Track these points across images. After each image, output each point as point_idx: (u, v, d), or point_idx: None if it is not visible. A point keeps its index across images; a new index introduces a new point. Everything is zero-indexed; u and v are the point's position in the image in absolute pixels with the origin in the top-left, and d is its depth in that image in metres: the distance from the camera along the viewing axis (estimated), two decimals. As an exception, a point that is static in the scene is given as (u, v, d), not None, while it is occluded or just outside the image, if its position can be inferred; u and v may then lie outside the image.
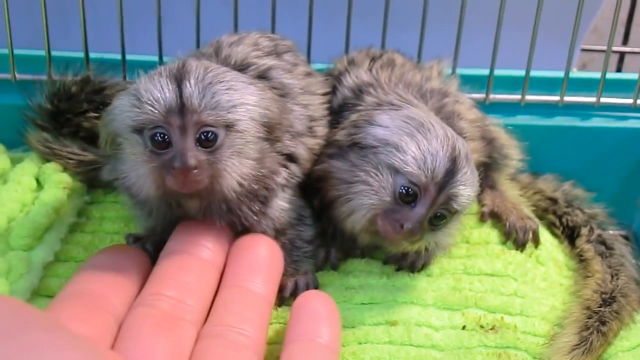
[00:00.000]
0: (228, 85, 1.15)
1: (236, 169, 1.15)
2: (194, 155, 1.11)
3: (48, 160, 1.46)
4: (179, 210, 1.21)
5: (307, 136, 1.31)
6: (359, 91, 1.38)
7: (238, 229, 1.24)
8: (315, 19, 1.60)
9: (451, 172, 1.18)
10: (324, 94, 1.39)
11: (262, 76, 1.29)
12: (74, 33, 1.55)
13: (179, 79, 1.12)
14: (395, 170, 1.19)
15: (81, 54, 1.55)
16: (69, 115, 1.48)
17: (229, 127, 1.14)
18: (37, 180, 1.43)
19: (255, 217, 1.23)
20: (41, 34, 1.53)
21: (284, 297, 1.27)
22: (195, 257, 1.18)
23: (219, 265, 1.20)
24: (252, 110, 1.16)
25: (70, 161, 1.44)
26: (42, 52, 1.54)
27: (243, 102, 1.15)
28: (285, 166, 1.26)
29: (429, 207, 1.18)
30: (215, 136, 1.13)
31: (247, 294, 1.16)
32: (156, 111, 1.11)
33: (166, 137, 1.11)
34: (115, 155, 1.20)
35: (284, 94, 1.30)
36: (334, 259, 1.34)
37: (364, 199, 1.21)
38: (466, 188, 1.20)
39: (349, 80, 1.41)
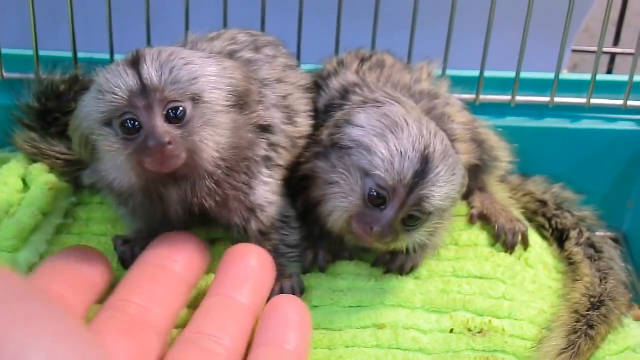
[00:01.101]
0: (185, 61, 1.16)
1: (211, 138, 1.16)
2: (166, 131, 1.12)
3: (35, 161, 1.45)
4: (160, 205, 1.21)
5: (287, 124, 1.31)
6: (344, 91, 1.38)
7: (223, 224, 1.25)
8: (305, 18, 1.59)
9: (422, 173, 1.17)
10: (306, 88, 1.39)
11: None
12: (62, 32, 1.54)
13: (135, 63, 1.13)
14: (365, 173, 1.19)
15: (69, 54, 1.54)
16: (57, 115, 1.47)
17: (194, 99, 1.15)
18: (24, 181, 1.42)
19: (238, 199, 1.23)
20: (29, 33, 1.51)
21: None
22: (166, 270, 1.18)
23: (189, 282, 1.20)
24: (215, 80, 1.17)
25: (57, 161, 1.44)
26: (30, 52, 1.53)
27: (204, 73, 1.16)
28: (263, 138, 1.26)
29: (398, 210, 1.17)
30: (184, 111, 1.14)
31: (231, 303, 1.16)
32: (119, 97, 1.12)
33: (135, 122, 1.12)
34: (92, 158, 1.21)
35: (261, 86, 1.30)
36: (322, 261, 1.34)
37: (337, 202, 1.22)
38: (440, 188, 1.19)
39: (335, 82, 1.41)
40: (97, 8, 1.54)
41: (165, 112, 1.13)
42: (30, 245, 1.30)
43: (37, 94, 1.48)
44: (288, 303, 1.17)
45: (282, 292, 1.26)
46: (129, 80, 1.12)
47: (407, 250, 1.31)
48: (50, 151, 1.44)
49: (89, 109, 1.16)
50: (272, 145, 1.28)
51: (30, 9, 1.50)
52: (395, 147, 1.18)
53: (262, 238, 1.28)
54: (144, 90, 1.12)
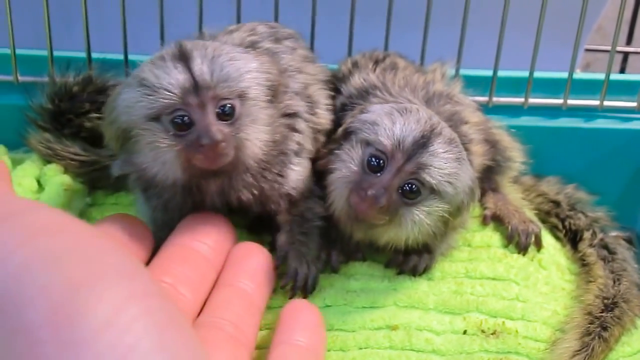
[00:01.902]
0: (230, 57, 1.17)
1: (256, 135, 1.18)
2: (219, 129, 1.12)
3: (49, 162, 1.45)
4: (198, 196, 1.22)
5: (309, 113, 1.33)
6: (365, 92, 1.38)
7: (254, 211, 1.27)
8: (318, 19, 1.59)
9: (422, 143, 1.18)
10: (325, 81, 1.41)
11: None
12: (76, 33, 1.55)
13: (184, 59, 1.13)
14: (367, 143, 1.20)
15: (83, 54, 1.54)
16: (70, 116, 1.47)
17: (241, 96, 1.16)
18: (38, 182, 1.42)
19: (273, 188, 1.25)
20: (43, 34, 1.52)
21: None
22: (195, 251, 1.18)
23: (217, 266, 1.20)
24: (256, 76, 1.18)
25: (72, 162, 1.44)
26: (45, 53, 1.53)
27: (248, 69, 1.17)
28: (293, 129, 1.28)
29: (395, 174, 1.17)
30: (233, 108, 1.15)
31: (244, 295, 1.17)
32: (173, 94, 1.11)
33: (186, 117, 1.12)
34: (127, 150, 1.20)
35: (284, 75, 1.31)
36: (335, 262, 1.34)
37: (338, 173, 1.22)
38: (440, 162, 1.18)
39: (357, 81, 1.41)
40: (111, 9, 1.55)
41: (217, 110, 1.14)
42: (46, 246, 1.31)
43: (50, 95, 1.48)
44: (302, 307, 1.18)
45: (295, 277, 1.26)
46: (181, 76, 1.12)
47: (420, 251, 1.32)
48: (65, 152, 1.44)
49: (132, 103, 1.14)
50: (299, 132, 1.29)
51: (44, 9, 1.51)
52: (399, 121, 1.19)
53: (291, 207, 1.29)
54: (196, 87, 1.12)
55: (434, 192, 1.20)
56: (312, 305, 1.20)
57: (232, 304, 1.15)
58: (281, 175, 1.26)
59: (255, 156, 1.19)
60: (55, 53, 1.53)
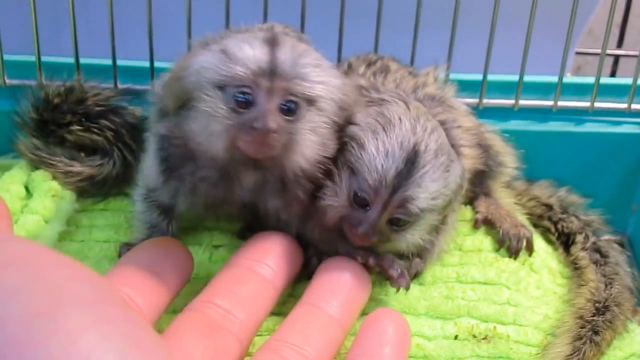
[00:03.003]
0: (316, 62, 1.15)
1: (309, 145, 1.15)
2: (275, 119, 1.10)
3: (37, 168, 1.44)
4: (232, 188, 1.20)
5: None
6: None
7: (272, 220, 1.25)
8: (307, 20, 1.59)
9: (406, 173, 1.16)
10: None
11: None
12: (64, 39, 1.54)
13: (272, 44, 1.12)
14: (352, 171, 1.19)
15: (72, 60, 1.53)
16: (53, 127, 1.45)
17: (310, 101, 1.14)
18: (26, 188, 1.41)
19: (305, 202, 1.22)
20: (31, 39, 1.51)
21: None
22: (255, 273, 1.18)
23: (278, 287, 1.19)
24: (334, 91, 1.16)
25: (58, 171, 1.42)
26: (33, 58, 1.52)
27: (327, 81, 1.16)
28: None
29: (381, 212, 1.16)
30: (298, 107, 1.13)
31: (319, 314, 1.15)
32: (248, 70, 1.10)
33: (250, 97, 1.11)
34: (180, 114, 1.17)
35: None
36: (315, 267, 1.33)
37: (329, 199, 1.20)
38: (425, 189, 1.17)
39: None
40: (99, 14, 1.54)
41: (281, 102, 1.12)
42: (33, 253, 1.30)
43: (34, 104, 1.46)
44: (387, 316, 1.15)
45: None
46: (263, 57, 1.11)
47: (410, 255, 1.31)
48: (52, 160, 1.43)
49: (206, 66, 1.13)
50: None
51: (32, 15, 1.50)
52: (383, 144, 1.17)
53: None
54: (273, 72, 1.11)
55: (423, 211, 1.19)
56: (397, 314, 1.17)
57: (300, 324, 1.14)
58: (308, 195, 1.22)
59: (301, 164, 1.16)
60: (43, 58, 1.52)
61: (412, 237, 1.22)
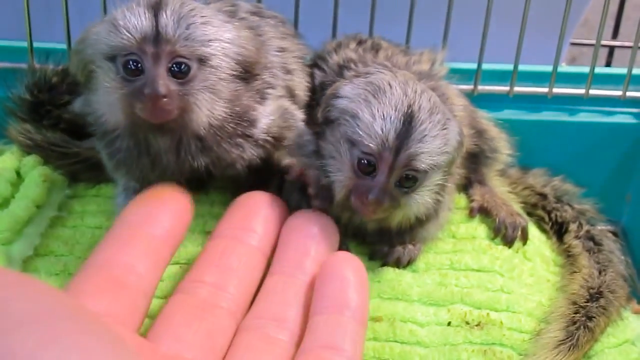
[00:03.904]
0: (204, 20, 1.16)
1: (207, 104, 1.16)
2: (165, 83, 1.11)
3: (29, 153, 1.43)
4: (149, 152, 1.20)
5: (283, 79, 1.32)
6: (340, 69, 1.38)
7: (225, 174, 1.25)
8: (301, 9, 1.58)
9: (405, 132, 1.16)
10: (302, 58, 1.40)
11: None
12: (56, 25, 1.53)
13: (155, 9, 1.13)
14: (351, 143, 1.18)
15: (64, 46, 1.52)
16: (50, 107, 1.45)
17: (202, 61, 1.15)
18: (18, 174, 1.40)
19: (230, 154, 1.22)
20: (23, 25, 1.50)
21: None
22: (241, 242, 1.17)
23: (266, 252, 1.18)
24: (227, 47, 1.17)
25: (52, 153, 1.42)
26: (24, 44, 1.52)
27: (218, 37, 1.16)
28: (262, 97, 1.26)
29: (388, 174, 1.16)
30: (188, 68, 1.14)
31: (292, 281, 1.14)
32: (131, 37, 1.12)
33: (139, 64, 1.13)
34: (87, 85, 1.21)
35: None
36: None
37: (334, 176, 1.21)
38: (428, 144, 1.17)
39: (335, 58, 1.41)
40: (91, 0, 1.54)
41: (169, 65, 1.13)
42: (24, 238, 1.29)
43: (28, 86, 1.45)
44: (343, 261, 1.14)
45: None
46: (145, 23, 1.12)
47: (404, 242, 1.31)
48: (45, 143, 1.42)
49: (98, 38, 1.15)
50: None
51: (24, 0, 1.49)
52: (377, 110, 1.17)
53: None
54: (157, 38, 1.12)
55: (429, 170, 1.19)
56: (353, 257, 1.16)
57: (275, 296, 1.13)
58: (243, 138, 1.22)
59: (204, 124, 1.17)
60: (35, 44, 1.52)
61: (421, 198, 1.21)
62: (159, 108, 1.11)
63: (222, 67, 1.17)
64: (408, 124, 1.16)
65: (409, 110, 1.17)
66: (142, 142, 1.20)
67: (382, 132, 1.16)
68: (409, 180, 1.19)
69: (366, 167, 1.18)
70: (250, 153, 1.23)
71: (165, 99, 1.11)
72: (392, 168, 1.16)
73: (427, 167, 1.18)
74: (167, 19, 1.13)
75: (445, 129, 1.19)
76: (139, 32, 1.12)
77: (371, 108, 1.18)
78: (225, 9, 1.30)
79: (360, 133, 1.17)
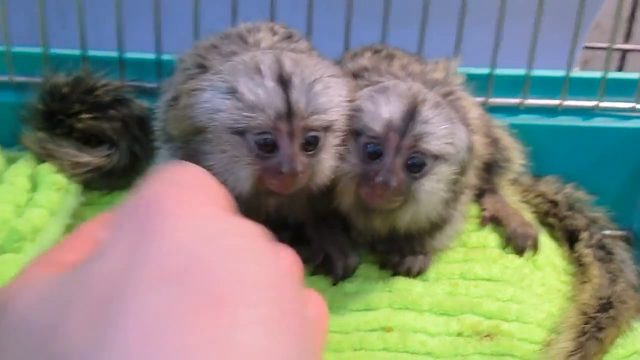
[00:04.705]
0: (325, 84, 1.14)
1: (330, 166, 1.17)
2: (302, 160, 1.11)
3: (43, 161, 1.43)
4: (256, 211, 1.18)
5: None
6: (353, 77, 1.36)
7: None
8: (314, 15, 1.58)
9: (410, 115, 1.16)
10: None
11: None
12: (71, 30, 1.54)
13: (283, 81, 1.11)
14: (357, 133, 1.18)
15: (78, 52, 1.53)
16: (61, 117, 1.45)
17: (327, 129, 1.15)
18: (32, 181, 1.41)
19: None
20: (38, 31, 1.51)
21: None
22: None
23: None
24: (345, 106, 1.17)
25: (65, 162, 1.42)
26: (39, 50, 1.52)
27: (338, 100, 1.16)
28: None
29: (395, 154, 1.16)
30: (317, 139, 1.14)
31: None
32: (265, 117, 1.09)
33: (273, 141, 1.11)
34: (189, 143, 1.16)
35: None
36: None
37: (339, 172, 1.20)
38: (434, 127, 1.17)
39: (349, 66, 1.40)
40: (106, 5, 1.54)
41: (303, 140, 1.12)
42: (38, 246, 1.29)
43: (41, 96, 1.46)
44: None
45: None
46: (278, 102, 1.09)
47: (415, 252, 1.31)
48: (58, 152, 1.43)
49: (218, 109, 1.11)
50: None
51: (39, 7, 1.50)
52: (382, 100, 1.18)
53: None
54: (290, 115, 1.10)
55: (437, 158, 1.18)
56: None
57: None
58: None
59: (324, 184, 1.18)
60: (51, 50, 1.52)
61: (431, 187, 1.19)
62: (293, 183, 1.11)
63: (341, 127, 1.17)
64: (413, 109, 1.17)
65: (414, 99, 1.17)
66: (255, 202, 1.17)
67: (388, 115, 1.16)
68: (417, 166, 1.18)
69: (372, 152, 1.17)
70: None
71: (301, 174, 1.11)
72: (398, 149, 1.16)
73: (434, 150, 1.17)
74: (297, 94, 1.10)
75: (452, 123, 1.19)
76: (272, 110, 1.09)
77: (374, 100, 1.18)
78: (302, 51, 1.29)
79: (366, 120, 1.17)
